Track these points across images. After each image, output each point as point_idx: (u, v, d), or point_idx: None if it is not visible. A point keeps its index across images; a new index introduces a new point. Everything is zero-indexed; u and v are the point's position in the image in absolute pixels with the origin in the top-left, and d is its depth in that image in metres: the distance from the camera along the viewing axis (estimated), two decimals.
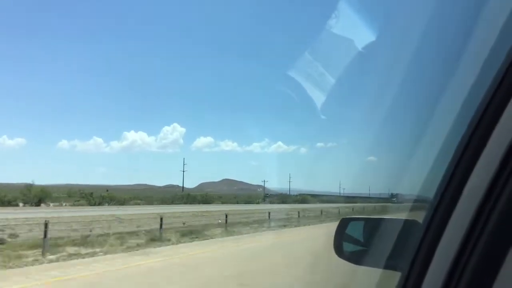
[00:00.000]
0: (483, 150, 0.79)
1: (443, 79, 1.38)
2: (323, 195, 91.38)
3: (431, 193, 0.96)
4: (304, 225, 25.59)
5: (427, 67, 2.46)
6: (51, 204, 45.87)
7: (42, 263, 10.53)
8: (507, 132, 0.74)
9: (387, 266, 1.47)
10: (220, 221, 22.78)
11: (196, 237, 16.97)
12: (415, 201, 1.60)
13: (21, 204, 43.22)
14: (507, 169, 0.73)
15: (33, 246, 12.59)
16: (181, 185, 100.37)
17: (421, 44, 2.30)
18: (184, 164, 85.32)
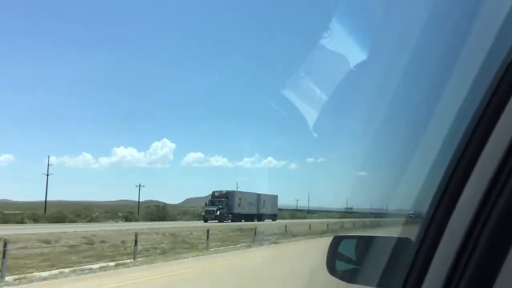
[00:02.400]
0: (476, 165, 0.78)
1: (433, 96, 1.39)
2: (314, 210, 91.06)
3: (423, 209, 0.94)
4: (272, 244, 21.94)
5: (417, 84, 2.49)
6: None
7: None
8: (499, 147, 0.73)
9: (380, 285, 1.45)
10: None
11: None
12: (408, 216, 1.59)
13: None
14: (499, 184, 0.72)
15: None
16: (160, 201, 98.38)
17: (410, 62, 2.33)
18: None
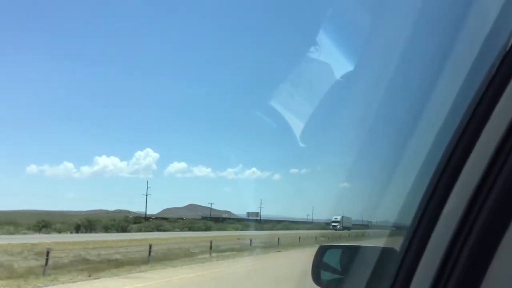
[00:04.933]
0: (459, 177, 0.79)
1: (418, 108, 1.42)
2: (295, 221, 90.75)
3: (408, 220, 0.95)
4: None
5: (402, 97, 2.53)
6: None
7: None
8: (482, 160, 0.75)
9: None
10: None
11: None
12: (392, 227, 1.60)
13: None
14: (481, 195, 0.74)
15: None
16: (131, 211, 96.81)
17: (395, 75, 2.37)
18: (147, 188, 79.52)
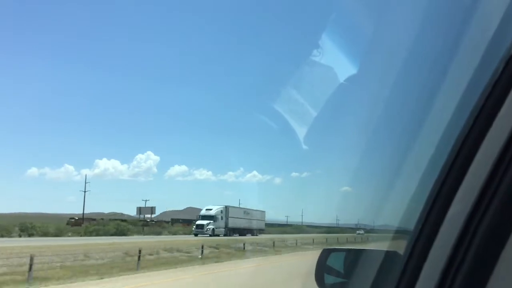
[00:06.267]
0: (463, 180, 0.80)
1: (421, 112, 1.42)
2: (297, 225, 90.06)
3: (411, 224, 0.95)
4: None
5: (406, 99, 2.54)
6: None
7: None
8: (486, 163, 0.75)
9: None
10: None
11: None
12: (396, 231, 1.60)
13: None
14: (486, 199, 0.74)
15: None
16: (126, 214, 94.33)
17: (398, 80, 2.38)
18: (86, 183, 66.97)
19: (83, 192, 67.98)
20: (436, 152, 1.01)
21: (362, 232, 59.02)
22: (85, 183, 68.45)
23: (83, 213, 69.62)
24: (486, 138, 0.77)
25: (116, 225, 51.63)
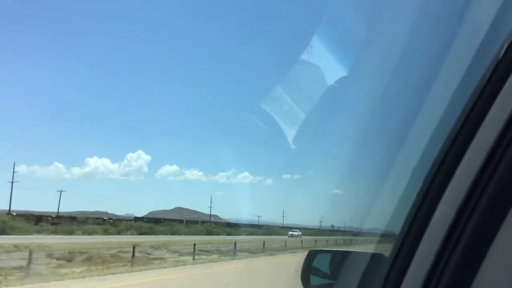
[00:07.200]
0: (449, 184, 0.80)
1: (409, 115, 1.43)
2: (287, 227, 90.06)
3: (398, 227, 0.96)
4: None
5: (394, 102, 2.55)
6: None
7: None
8: (473, 166, 0.76)
9: None
10: None
11: None
12: (382, 234, 1.60)
13: None
14: (472, 201, 0.75)
15: None
16: (111, 213, 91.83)
17: (389, 82, 2.39)
18: (14, 172, 59.07)
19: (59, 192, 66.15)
20: (423, 156, 1.02)
21: (297, 232, 58.27)
22: (13, 172, 60.14)
23: (9, 208, 60.65)
24: (472, 142, 0.77)
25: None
